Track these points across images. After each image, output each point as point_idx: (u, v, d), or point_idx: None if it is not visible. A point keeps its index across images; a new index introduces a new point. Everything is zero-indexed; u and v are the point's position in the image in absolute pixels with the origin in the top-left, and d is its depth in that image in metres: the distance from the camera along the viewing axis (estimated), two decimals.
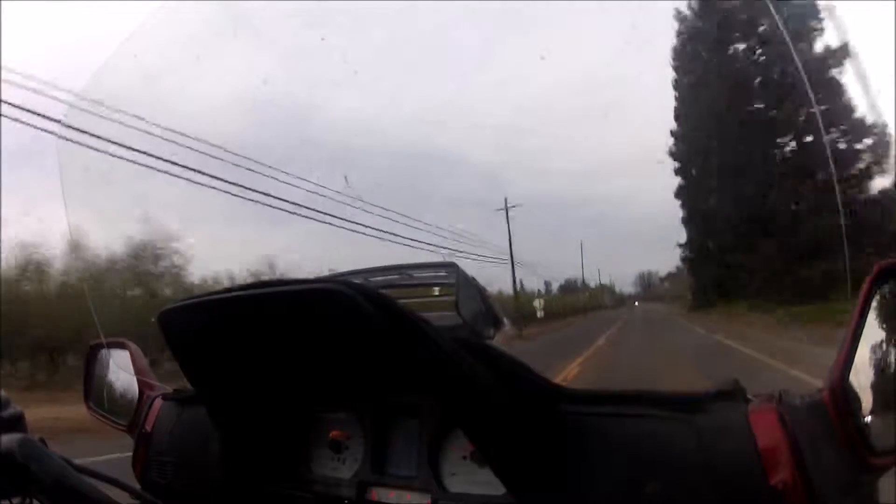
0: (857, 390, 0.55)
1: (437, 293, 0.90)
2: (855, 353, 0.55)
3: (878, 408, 0.56)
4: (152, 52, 1.01)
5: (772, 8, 0.71)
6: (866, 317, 0.55)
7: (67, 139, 1.06)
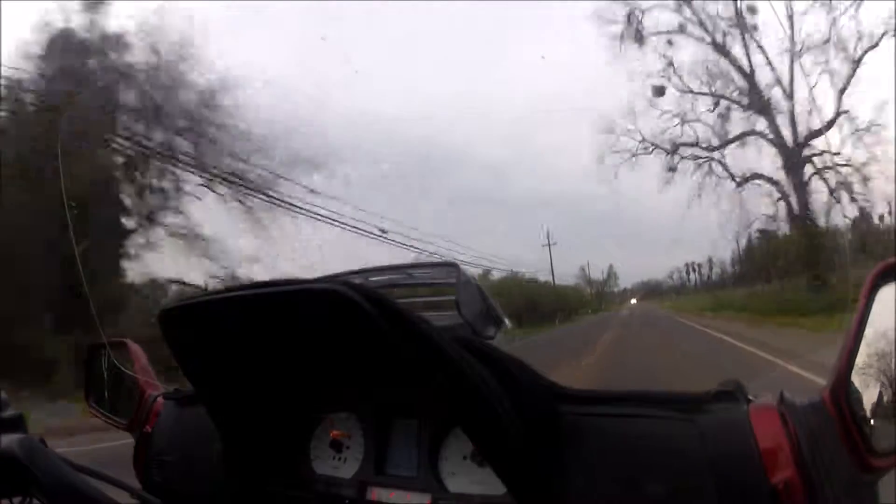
0: (859, 391, 0.55)
1: (437, 293, 0.90)
2: (857, 353, 0.55)
3: (880, 408, 0.56)
4: (152, 53, 1.01)
5: (772, 8, 0.71)
6: (867, 317, 0.55)
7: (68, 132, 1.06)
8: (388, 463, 0.77)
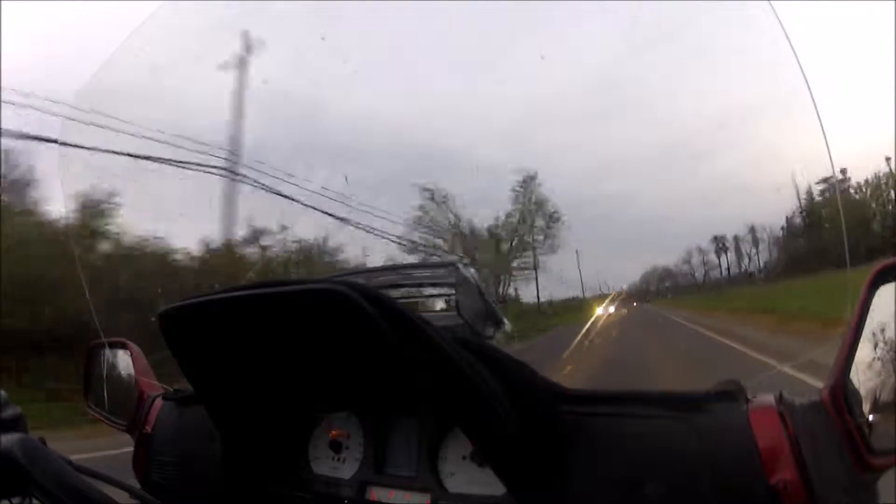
0: (858, 390, 0.55)
1: (437, 293, 0.91)
2: (855, 352, 0.55)
3: (879, 408, 0.56)
4: (153, 52, 1.01)
5: (772, 8, 0.71)
6: (866, 316, 0.55)
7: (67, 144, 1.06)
8: (387, 463, 0.77)
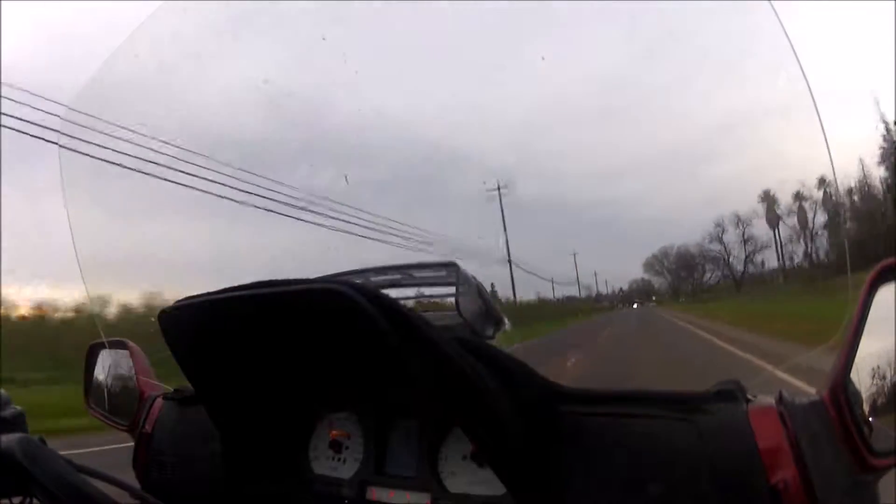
0: (858, 390, 0.55)
1: (437, 293, 0.91)
2: (855, 353, 0.55)
3: (879, 408, 0.56)
4: (152, 52, 1.02)
5: (772, 8, 0.71)
6: (867, 316, 0.55)
7: (69, 147, 1.06)
8: (387, 463, 0.77)
